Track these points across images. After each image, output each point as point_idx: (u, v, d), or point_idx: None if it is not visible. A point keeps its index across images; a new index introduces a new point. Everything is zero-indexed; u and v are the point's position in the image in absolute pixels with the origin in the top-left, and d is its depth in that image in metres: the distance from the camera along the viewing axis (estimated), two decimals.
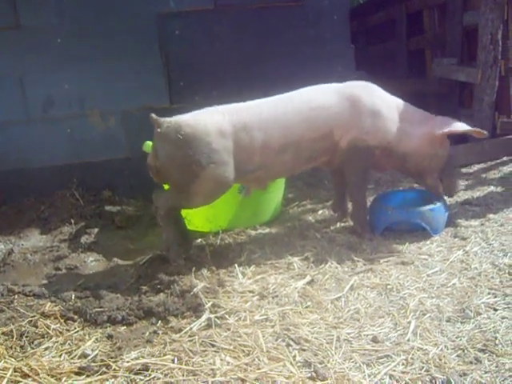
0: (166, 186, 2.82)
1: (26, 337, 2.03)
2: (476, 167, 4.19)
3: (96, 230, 3.34)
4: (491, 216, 3.00)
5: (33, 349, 1.96)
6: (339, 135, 2.78)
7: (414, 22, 6.12)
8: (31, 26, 3.82)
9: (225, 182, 2.61)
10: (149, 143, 3.09)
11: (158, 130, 2.55)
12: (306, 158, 2.80)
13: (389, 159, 2.90)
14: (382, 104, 2.82)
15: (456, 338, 1.87)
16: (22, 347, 1.98)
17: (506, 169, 3.99)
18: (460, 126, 2.86)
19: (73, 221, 3.44)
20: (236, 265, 2.55)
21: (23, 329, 2.08)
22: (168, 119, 2.56)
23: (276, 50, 3.91)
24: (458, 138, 4.82)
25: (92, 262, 2.89)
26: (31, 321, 2.14)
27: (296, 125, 2.69)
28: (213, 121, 2.58)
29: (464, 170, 4.13)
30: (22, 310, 2.23)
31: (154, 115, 2.54)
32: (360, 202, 2.93)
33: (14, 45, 3.84)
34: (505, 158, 4.24)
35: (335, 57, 4.05)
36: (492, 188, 3.55)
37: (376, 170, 3.12)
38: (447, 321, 1.99)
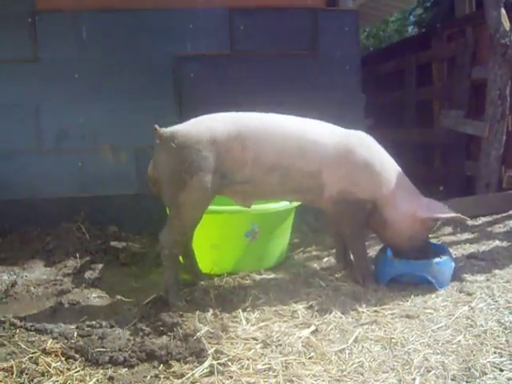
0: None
1: (26, 374, 2.00)
2: (482, 220, 4.19)
3: (100, 265, 3.34)
4: (497, 272, 2.99)
5: None
6: (328, 180, 2.78)
7: (423, 72, 6.24)
8: (50, 59, 3.94)
9: (212, 191, 2.64)
10: None
11: (157, 141, 2.62)
12: (293, 188, 2.80)
13: (373, 217, 2.87)
14: (376, 160, 2.83)
15: None
16: None
17: None
18: (445, 212, 2.83)
19: (78, 255, 3.45)
20: (240, 310, 2.53)
21: (23, 365, 2.05)
22: (166, 129, 2.63)
23: (288, 96, 3.97)
24: (464, 190, 4.86)
25: (95, 299, 2.88)
26: (32, 357, 2.12)
27: (289, 150, 2.71)
28: (206, 128, 2.62)
29: (470, 223, 4.13)
30: (23, 346, 2.21)
31: (157, 126, 2.61)
32: (359, 253, 2.93)
33: (32, 77, 3.95)
34: (511, 212, 4.25)
35: (346, 104, 4.13)
36: (497, 242, 3.55)
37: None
38: (452, 379, 1.96)
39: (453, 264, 2.89)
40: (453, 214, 2.83)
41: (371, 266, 3.01)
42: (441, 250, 2.97)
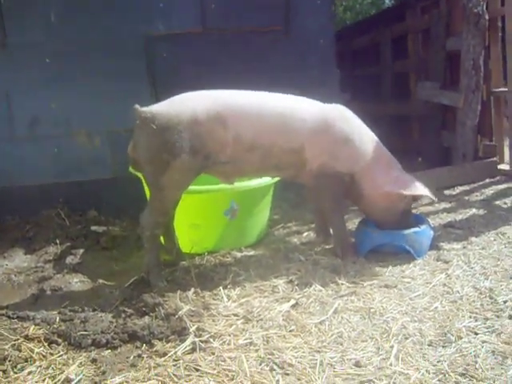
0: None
1: (9, 361, 2.01)
2: (459, 189, 4.26)
3: (81, 250, 3.33)
4: (473, 239, 3.05)
5: (16, 373, 1.94)
6: (309, 155, 2.79)
7: (398, 45, 6.25)
8: (18, 45, 3.85)
9: (194, 171, 2.65)
10: None
11: (137, 120, 2.60)
12: (273, 165, 2.81)
13: (350, 189, 2.89)
14: (356, 133, 2.85)
15: (437, 362, 1.89)
16: (4, 372, 1.95)
17: (488, 191, 4.07)
18: (412, 189, 2.83)
19: (58, 241, 3.44)
20: (221, 287, 2.56)
21: (6, 352, 2.05)
22: (145, 109, 2.59)
23: (262, 73, 3.95)
24: (441, 161, 4.92)
25: (77, 284, 2.88)
26: (14, 344, 2.12)
27: (270, 127, 2.71)
28: (187, 108, 2.60)
29: (447, 192, 4.20)
30: (5, 333, 2.21)
31: (137, 106, 2.58)
32: (338, 226, 2.96)
33: (1, 63, 3.86)
34: (487, 181, 4.33)
35: (321, 79, 4.11)
36: (474, 210, 3.61)
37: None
38: (429, 345, 2.01)
39: (431, 233, 2.94)
40: (419, 192, 2.85)
41: (350, 238, 3.04)
42: (419, 220, 3.01)
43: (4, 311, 2.45)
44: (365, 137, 2.89)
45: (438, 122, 5.23)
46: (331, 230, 3.04)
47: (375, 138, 2.94)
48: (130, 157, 2.75)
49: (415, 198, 3.07)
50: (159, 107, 2.64)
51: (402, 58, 6.18)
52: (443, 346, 2.00)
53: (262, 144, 2.70)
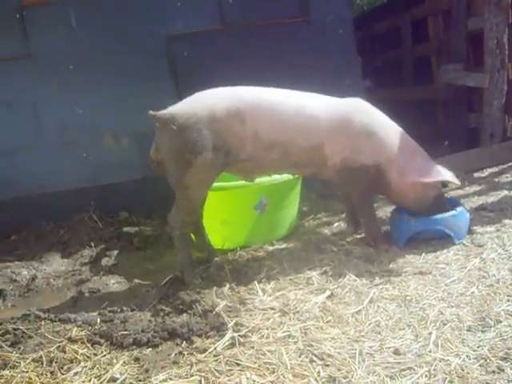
0: None
1: (56, 362, 2.07)
2: (488, 171, 4.20)
3: (115, 251, 3.40)
4: (506, 221, 3.01)
5: (63, 374, 2.00)
6: (330, 151, 2.79)
7: (418, 28, 6.17)
8: (42, 54, 3.92)
9: (216, 168, 2.67)
10: None
11: (157, 124, 2.63)
12: (293, 163, 2.82)
13: (377, 181, 2.87)
14: (377, 125, 2.83)
15: (477, 347, 1.89)
16: (52, 373, 2.02)
17: None
18: (435, 176, 2.81)
19: (92, 244, 3.51)
20: (256, 282, 2.58)
21: (52, 355, 2.12)
22: (164, 112, 2.62)
23: (283, 66, 3.96)
24: (469, 143, 4.85)
25: (114, 285, 2.94)
26: (59, 346, 2.18)
27: (288, 126, 2.71)
28: (205, 106, 2.61)
29: (476, 175, 4.14)
30: (49, 336, 2.27)
31: (151, 111, 2.61)
32: (368, 217, 2.95)
33: (27, 72, 3.94)
34: None
35: (342, 69, 4.11)
36: (505, 192, 3.56)
37: None
38: (468, 330, 2.01)
39: (468, 215, 2.90)
40: (441, 178, 2.82)
41: (381, 227, 3.04)
42: (454, 203, 2.98)
43: (46, 315, 2.51)
44: (386, 128, 2.87)
45: (463, 104, 5.16)
46: (362, 220, 3.04)
47: (398, 127, 2.92)
48: (152, 160, 2.78)
49: (443, 184, 3.04)
50: (177, 108, 2.66)
51: (423, 41, 6.10)
52: (482, 331, 1.99)
53: (280, 142, 2.71)
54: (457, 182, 2.88)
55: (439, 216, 2.82)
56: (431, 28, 5.91)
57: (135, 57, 3.96)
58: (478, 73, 4.63)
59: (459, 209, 2.87)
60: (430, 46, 5.99)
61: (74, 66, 3.94)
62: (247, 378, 1.83)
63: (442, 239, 2.81)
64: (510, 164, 4.22)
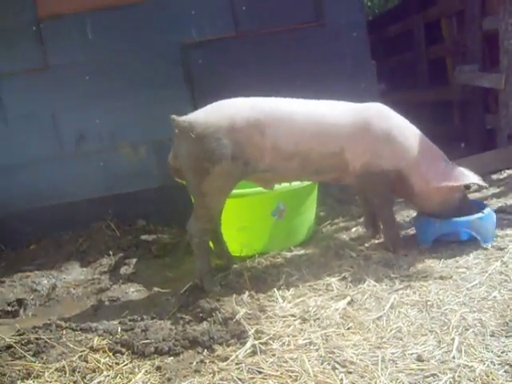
0: None
1: (78, 372, 2.09)
2: (506, 173, 4.15)
3: (134, 260, 3.42)
4: None
5: None
6: (351, 157, 2.78)
7: (432, 30, 6.14)
8: (59, 66, 3.96)
9: (235, 177, 2.68)
10: None
11: (176, 130, 2.64)
12: (313, 170, 2.82)
13: (399, 186, 2.87)
14: (396, 129, 2.81)
15: (502, 352, 1.87)
16: (75, 382, 2.03)
17: None
18: (460, 179, 2.78)
19: (111, 252, 3.53)
20: (275, 289, 2.58)
21: (74, 364, 2.13)
22: (183, 118, 2.63)
23: (297, 71, 3.96)
24: (485, 145, 4.81)
25: (133, 293, 2.96)
26: (81, 355, 2.20)
27: (307, 136, 2.71)
28: (224, 115, 2.62)
29: (494, 177, 4.10)
30: (71, 346, 2.29)
31: (174, 116, 2.63)
32: (388, 221, 2.94)
33: (45, 84, 3.98)
34: None
35: (357, 73, 4.08)
36: None
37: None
38: (491, 335, 1.99)
39: (494, 218, 2.86)
40: (469, 181, 2.79)
41: (399, 232, 3.02)
42: (480, 206, 2.94)
43: (67, 324, 2.53)
44: (406, 132, 2.85)
45: (479, 105, 5.11)
46: (381, 225, 3.02)
47: (417, 131, 2.90)
48: (170, 166, 2.80)
49: (467, 186, 3.01)
50: (197, 116, 2.67)
51: (437, 42, 6.06)
52: (506, 336, 1.97)
53: (300, 151, 2.71)
54: (483, 184, 2.84)
55: (465, 218, 2.79)
56: (445, 29, 5.87)
57: (151, 65, 3.99)
58: (494, 73, 4.59)
59: (486, 211, 2.83)
60: (444, 47, 5.96)
61: (90, 76, 3.98)
62: None
63: (462, 243, 2.79)
64: None
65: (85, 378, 2.06)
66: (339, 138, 2.75)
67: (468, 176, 2.79)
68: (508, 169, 4.19)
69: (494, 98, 4.73)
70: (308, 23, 4.05)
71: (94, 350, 2.26)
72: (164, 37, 3.99)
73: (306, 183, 3.12)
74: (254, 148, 2.65)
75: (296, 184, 3.09)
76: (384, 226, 2.96)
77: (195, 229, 2.73)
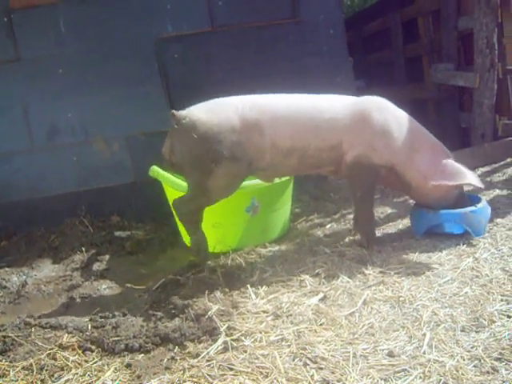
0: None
1: (46, 370, 2.04)
2: (480, 170, 4.19)
3: (107, 256, 3.37)
4: (499, 220, 3.01)
5: (53, 382, 1.97)
6: (347, 147, 2.79)
7: (409, 28, 6.17)
8: (32, 58, 3.89)
9: (240, 176, 2.71)
10: (155, 168, 3.13)
11: (176, 126, 2.62)
12: (312, 164, 2.84)
13: (395, 180, 2.89)
14: (394, 124, 2.81)
15: (471, 347, 1.88)
16: (42, 381, 1.98)
17: (510, 171, 4.00)
18: (459, 179, 2.77)
19: (83, 248, 3.47)
20: (248, 285, 2.56)
21: (42, 362, 2.09)
22: (184, 115, 2.62)
23: (275, 67, 3.95)
24: (460, 143, 4.86)
25: (105, 290, 2.92)
26: (50, 353, 2.15)
27: (305, 131, 2.73)
28: (226, 117, 2.63)
29: None
30: (39, 343, 2.24)
31: (174, 111, 2.62)
32: (366, 216, 2.94)
33: (17, 77, 3.91)
34: (508, 160, 4.25)
35: (334, 70, 4.09)
36: (498, 191, 3.56)
37: (387, 186, 3.13)
38: (462, 330, 2.00)
39: (489, 212, 2.88)
40: (467, 181, 2.79)
41: (375, 229, 3.03)
42: (476, 199, 2.95)
43: (37, 321, 2.47)
44: (404, 127, 2.83)
45: (455, 103, 5.17)
46: (360, 219, 3.02)
47: (418, 126, 2.90)
48: (165, 159, 2.77)
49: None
50: (199, 114, 2.64)
51: (414, 41, 6.10)
52: (476, 331, 1.98)
53: (299, 147, 2.73)
54: (481, 185, 2.84)
55: (457, 211, 2.81)
56: (421, 28, 5.91)
57: (125, 60, 3.93)
58: (469, 72, 4.63)
59: (480, 205, 2.85)
60: (420, 45, 6.00)
61: (63, 69, 3.91)
62: (240, 383, 1.81)
63: (433, 238, 2.82)
64: (502, 163, 4.22)
65: (52, 376, 2.02)
66: (337, 130, 2.77)
67: (466, 176, 2.78)
68: (481, 167, 4.23)
69: (469, 96, 4.78)
70: (285, 19, 4.04)
71: (63, 347, 2.21)
72: (139, 31, 3.94)
73: (280, 179, 3.11)
74: (254, 148, 2.66)
75: None
76: (362, 220, 2.96)
77: (187, 209, 2.72)
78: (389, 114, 2.84)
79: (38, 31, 3.86)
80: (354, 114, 2.79)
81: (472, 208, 2.82)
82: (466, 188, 3.10)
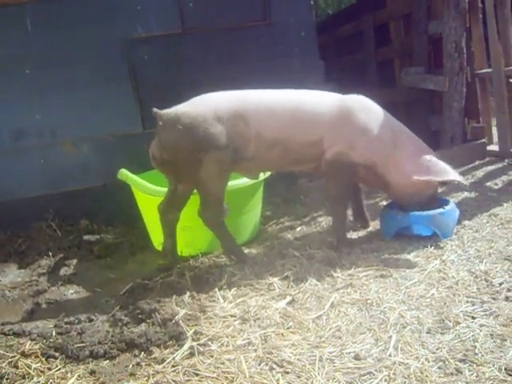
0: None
1: (7, 379, 1.99)
2: None
3: (75, 261, 3.32)
4: (466, 222, 3.05)
5: None
6: (327, 144, 2.81)
7: (382, 32, 6.22)
8: None
9: (227, 164, 2.73)
10: (124, 171, 3.09)
11: (160, 123, 2.67)
12: (294, 160, 2.87)
13: (374, 179, 2.91)
14: (375, 123, 2.83)
15: (436, 349, 1.89)
16: None
17: (479, 173, 4.06)
18: (442, 175, 2.79)
19: (51, 253, 3.41)
20: (217, 289, 2.54)
21: (3, 370, 2.04)
22: (168, 111, 2.69)
23: (245, 70, 3.93)
24: (430, 145, 4.91)
25: (72, 295, 2.87)
26: (11, 361, 2.10)
27: (288, 123, 2.77)
28: (210, 106, 2.70)
29: None
30: (1, 351, 2.19)
31: (155, 109, 2.68)
32: (338, 216, 2.95)
33: None
34: (477, 163, 4.32)
35: (305, 73, 4.09)
36: (466, 194, 3.60)
37: (364, 184, 3.14)
38: (427, 332, 2.01)
39: (457, 214, 2.92)
40: (451, 178, 2.81)
41: (347, 230, 3.03)
42: (444, 202, 2.98)
43: None
44: (384, 127, 2.85)
45: (425, 106, 5.22)
46: (332, 220, 3.02)
47: (399, 125, 2.93)
48: (154, 158, 2.78)
49: (443, 183, 3.04)
50: (183, 108, 2.72)
51: (386, 44, 6.16)
52: (441, 333, 1.99)
53: (281, 139, 2.76)
54: (465, 182, 2.88)
55: (426, 213, 2.83)
56: (393, 31, 5.97)
57: (94, 61, 3.88)
58: (438, 76, 4.69)
59: (448, 207, 2.88)
60: (392, 49, 6.05)
61: (30, 70, 3.83)
62: None
63: (409, 238, 2.86)
64: (470, 165, 4.29)
65: None
66: (319, 126, 2.79)
67: (450, 172, 2.80)
68: None
69: (439, 100, 4.83)
70: (256, 21, 4.04)
71: (25, 355, 2.17)
72: (108, 32, 3.88)
73: (250, 182, 3.10)
74: (240, 137, 2.71)
75: (240, 183, 3.06)
76: (333, 220, 2.97)
77: (210, 215, 2.77)
78: (371, 114, 2.86)
79: (4, 30, 3.77)
80: (338, 111, 2.81)
81: (441, 210, 2.85)
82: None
